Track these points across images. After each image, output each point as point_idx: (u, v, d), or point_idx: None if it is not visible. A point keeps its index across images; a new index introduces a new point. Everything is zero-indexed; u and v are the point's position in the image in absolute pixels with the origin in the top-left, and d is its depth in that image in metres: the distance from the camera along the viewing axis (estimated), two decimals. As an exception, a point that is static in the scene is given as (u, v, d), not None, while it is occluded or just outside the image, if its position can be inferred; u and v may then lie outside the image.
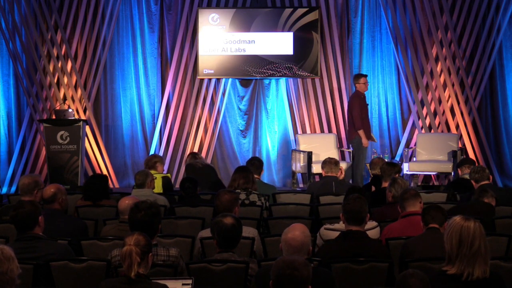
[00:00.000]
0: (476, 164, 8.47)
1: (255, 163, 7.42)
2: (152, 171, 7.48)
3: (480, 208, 5.81)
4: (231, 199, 5.19)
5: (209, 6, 11.29)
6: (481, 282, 3.44)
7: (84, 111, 11.22)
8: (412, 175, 10.46)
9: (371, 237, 4.77)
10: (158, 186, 7.49)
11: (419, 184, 10.70)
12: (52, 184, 5.69)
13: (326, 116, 11.23)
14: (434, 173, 10.71)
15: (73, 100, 11.17)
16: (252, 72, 11.19)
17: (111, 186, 10.43)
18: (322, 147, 10.51)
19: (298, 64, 11.16)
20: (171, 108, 11.26)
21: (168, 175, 8.27)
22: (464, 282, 3.44)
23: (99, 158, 11.21)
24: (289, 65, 11.16)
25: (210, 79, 11.32)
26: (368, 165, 9.25)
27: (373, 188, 7.35)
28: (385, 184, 6.53)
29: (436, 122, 11.13)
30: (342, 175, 7.69)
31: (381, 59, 11.30)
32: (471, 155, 10.76)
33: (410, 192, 5.21)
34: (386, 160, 8.25)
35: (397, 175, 6.56)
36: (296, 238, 3.85)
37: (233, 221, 4.24)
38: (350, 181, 9.64)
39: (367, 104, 10.12)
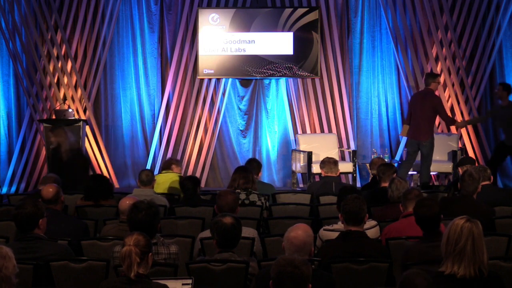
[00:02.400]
0: (476, 164, 8.47)
1: (253, 165, 7.42)
2: (169, 171, 7.55)
3: (479, 208, 5.80)
4: (234, 199, 5.20)
5: (209, 6, 11.28)
6: (479, 281, 3.43)
7: (84, 111, 11.21)
8: (412, 175, 10.45)
9: (370, 237, 4.77)
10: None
11: (419, 184, 10.68)
12: (49, 184, 5.65)
13: (326, 116, 11.22)
14: (434, 173, 10.69)
15: (73, 100, 11.16)
16: (252, 72, 11.18)
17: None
18: (322, 147, 10.50)
19: (298, 64, 11.15)
20: (171, 108, 11.25)
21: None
22: (461, 282, 3.42)
23: (99, 158, 11.20)
24: (289, 65, 11.15)
25: (210, 79, 11.31)
26: (368, 165, 9.25)
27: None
28: (384, 184, 6.55)
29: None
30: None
31: (381, 59, 11.29)
32: (471, 155, 10.75)
33: (414, 192, 5.20)
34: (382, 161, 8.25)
35: (394, 175, 6.57)
36: (299, 237, 3.86)
37: (232, 221, 4.24)
38: (411, 183, 9.57)
39: None
